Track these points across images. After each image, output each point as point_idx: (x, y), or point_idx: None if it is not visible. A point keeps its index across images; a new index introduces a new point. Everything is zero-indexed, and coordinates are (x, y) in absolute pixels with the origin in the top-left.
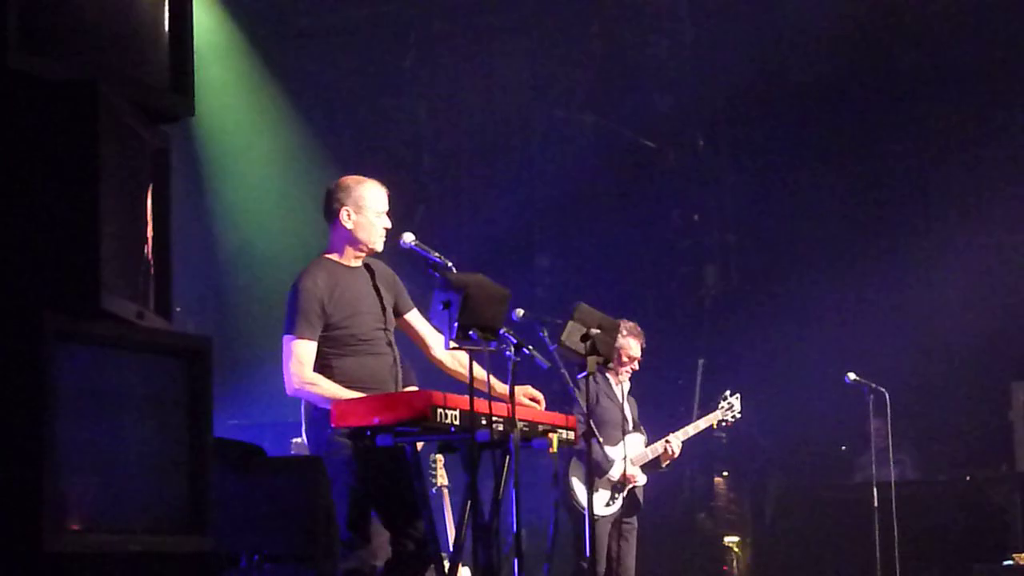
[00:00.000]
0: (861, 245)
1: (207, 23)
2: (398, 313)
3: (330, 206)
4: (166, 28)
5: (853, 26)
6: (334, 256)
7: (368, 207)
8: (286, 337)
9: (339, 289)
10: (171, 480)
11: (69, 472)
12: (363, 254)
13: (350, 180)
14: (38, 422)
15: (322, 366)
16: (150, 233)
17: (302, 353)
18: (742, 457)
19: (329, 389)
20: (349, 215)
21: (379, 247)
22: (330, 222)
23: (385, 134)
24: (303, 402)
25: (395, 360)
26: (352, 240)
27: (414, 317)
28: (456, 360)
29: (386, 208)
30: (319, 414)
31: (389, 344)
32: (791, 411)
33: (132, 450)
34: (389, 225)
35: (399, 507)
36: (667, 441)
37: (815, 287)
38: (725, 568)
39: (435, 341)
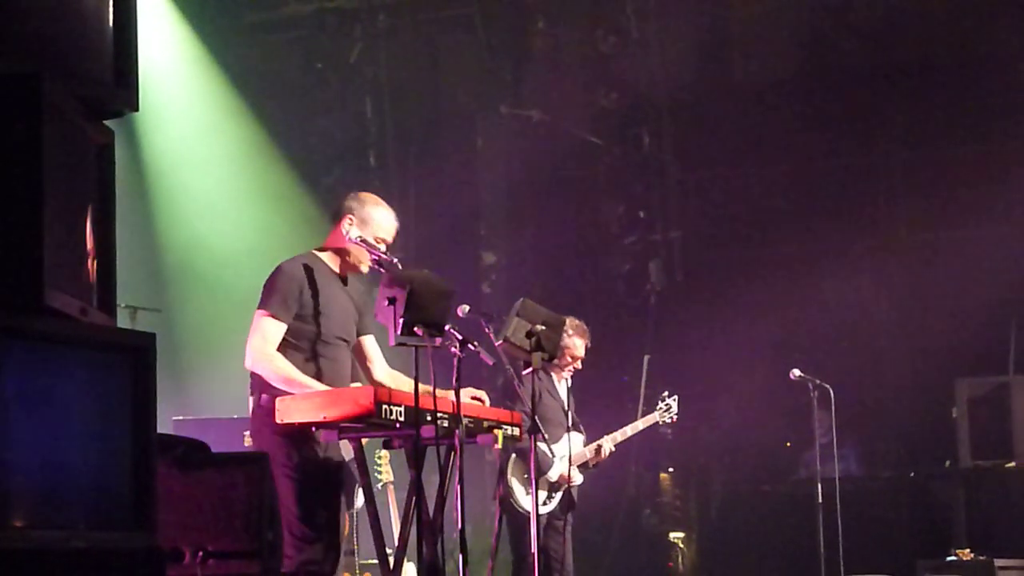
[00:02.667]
0: (806, 242)
1: (151, 18)
2: (357, 332)
3: (338, 210)
4: (110, 22)
5: (801, 24)
6: (323, 255)
7: (370, 228)
8: (258, 312)
9: (317, 285)
10: (115, 476)
11: (11, 468)
12: (348, 267)
13: (368, 196)
14: None
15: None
16: (94, 229)
17: (268, 329)
18: (687, 453)
19: (284, 368)
20: (352, 223)
21: (363, 270)
22: (333, 224)
23: (330, 129)
24: (251, 397)
25: (348, 371)
26: (343, 250)
27: (368, 341)
28: (397, 380)
29: (388, 239)
30: (268, 408)
31: (346, 354)
32: (736, 407)
33: (75, 446)
34: (362, 239)
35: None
36: (599, 445)
37: (760, 283)
38: (670, 564)
39: (379, 365)
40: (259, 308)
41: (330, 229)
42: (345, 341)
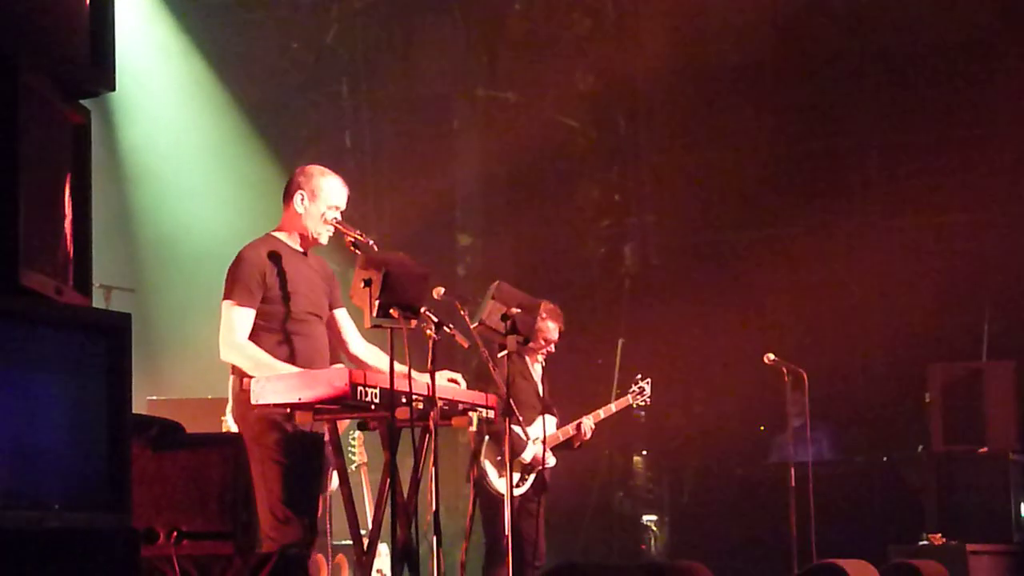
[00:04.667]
0: (780, 226)
1: None
2: (329, 306)
3: (288, 188)
4: (86, 1)
5: (777, 8)
6: (281, 235)
7: (321, 198)
8: (224, 303)
9: (280, 265)
10: (89, 456)
11: None
12: (308, 242)
13: (314, 169)
14: None
15: (254, 340)
16: (70, 209)
17: (236, 318)
18: (660, 436)
19: (256, 355)
20: (302, 199)
21: (323, 240)
22: (285, 203)
23: (306, 110)
24: (231, 378)
25: (324, 346)
26: (299, 225)
27: (340, 315)
28: (375, 355)
29: (340, 206)
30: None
31: (321, 329)
32: (709, 391)
33: (50, 426)
34: (338, 220)
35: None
36: (579, 424)
37: (734, 268)
38: (643, 547)
39: (354, 338)
40: (224, 298)
41: (283, 208)
42: (317, 316)
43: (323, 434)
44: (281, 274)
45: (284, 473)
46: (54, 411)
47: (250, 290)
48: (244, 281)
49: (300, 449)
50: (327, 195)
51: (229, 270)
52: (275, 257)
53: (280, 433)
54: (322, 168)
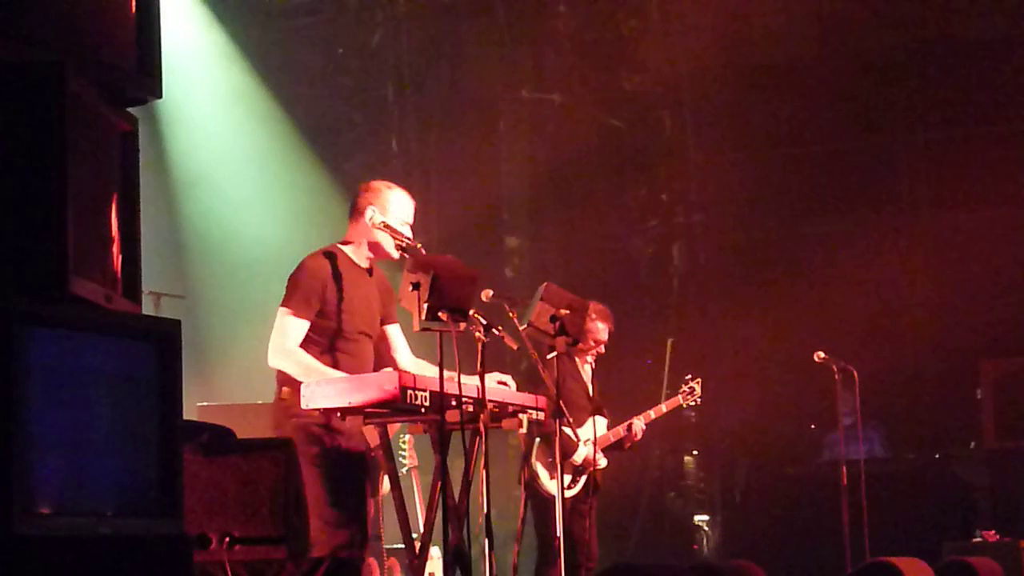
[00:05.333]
0: (828, 224)
1: (172, 3)
2: (381, 322)
3: (356, 204)
4: (133, 9)
5: (822, 6)
6: (347, 249)
7: (393, 213)
8: (280, 309)
9: (341, 281)
10: (141, 463)
11: (38, 456)
12: (374, 256)
13: (381, 184)
14: (7, 406)
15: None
16: (118, 216)
17: (289, 326)
18: (711, 436)
19: (306, 361)
20: (375, 211)
21: (395, 255)
22: (353, 218)
23: (352, 114)
24: (279, 385)
25: (369, 366)
26: (369, 242)
27: (392, 330)
28: (423, 369)
29: (410, 220)
30: (289, 400)
31: (368, 349)
32: (760, 390)
33: (101, 433)
34: (410, 236)
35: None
36: (629, 424)
37: (783, 266)
38: (695, 547)
39: (403, 353)
40: (282, 304)
41: (350, 222)
42: (367, 336)
43: (363, 447)
44: (340, 291)
45: (327, 478)
46: (105, 418)
47: (308, 301)
48: (303, 290)
49: (340, 455)
50: (397, 210)
51: (290, 277)
52: (337, 270)
53: (318, 441)
54: (389, 183)
